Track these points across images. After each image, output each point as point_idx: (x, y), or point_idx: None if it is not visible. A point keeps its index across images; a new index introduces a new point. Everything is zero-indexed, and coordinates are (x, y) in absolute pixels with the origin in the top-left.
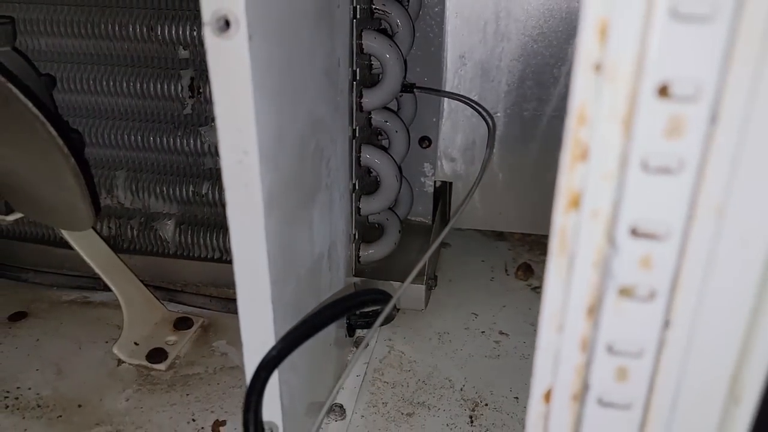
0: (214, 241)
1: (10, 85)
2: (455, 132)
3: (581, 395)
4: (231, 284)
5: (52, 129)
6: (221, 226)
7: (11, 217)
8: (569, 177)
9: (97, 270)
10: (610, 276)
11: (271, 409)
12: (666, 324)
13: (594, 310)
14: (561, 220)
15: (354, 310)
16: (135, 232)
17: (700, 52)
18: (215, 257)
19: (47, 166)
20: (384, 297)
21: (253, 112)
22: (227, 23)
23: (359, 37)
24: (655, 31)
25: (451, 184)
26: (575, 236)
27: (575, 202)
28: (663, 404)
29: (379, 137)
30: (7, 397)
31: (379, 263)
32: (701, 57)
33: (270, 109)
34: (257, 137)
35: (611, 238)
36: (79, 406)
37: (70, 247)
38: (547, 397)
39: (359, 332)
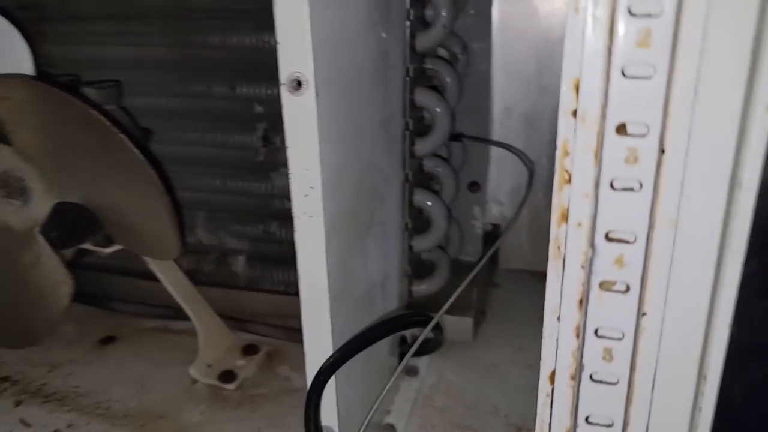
0: (281, 275)
1: (122, 135)
2: (502, 177)
3: (577, 374)
4: (294, 315)
5: (152, 171)
6: (287, 262)
7: (109, 250)
8: (559, 197)
9: (177, 298)
10: (593, 273)
11: (329, 414)
12: (642, 313)
13: (583, 302)
14: (555, 231)
15: (402, 329)
16: (211, 267)
17: (646, 101)
18: (281, 290)
19: (145, 202)
20: (429, 320)
21: (318, 155)
22: (299, 83)
23: (412, 92)
24: (613, 87)
25: (499, 226)
26: (565, 243)
27: (564, 216)
28: (644, 381)
29: (431, 181)
30: (98, 407)
31: (430, 298)
32: (647, 104)
33: (332, 153)
34: (321, 175)
35: (592, 243)
36: (160, 417)
37: (154, 280)
38: (552, 378)
39: (411, 362)
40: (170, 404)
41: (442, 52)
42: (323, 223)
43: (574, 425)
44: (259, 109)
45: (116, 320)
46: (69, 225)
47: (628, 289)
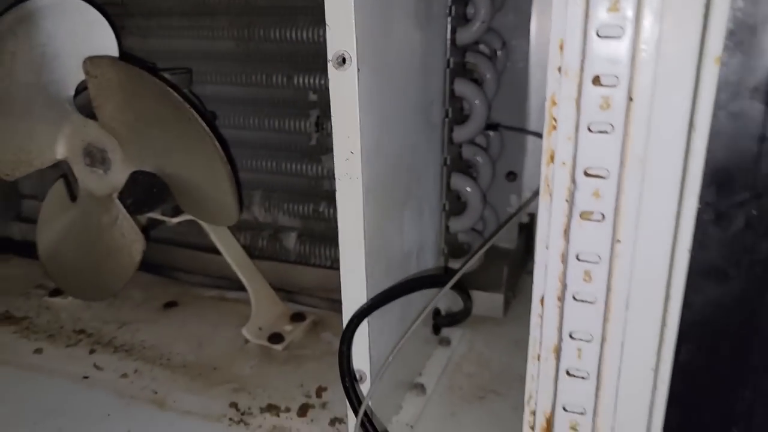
0: (327, 251)
1: (192, 110)
2: (538, 167)
3: (562, 295)
4: (338, 288)
5: (216, 143)
6: (334, 240)
7: (175, 220)
8: (548, 141)
9: (234, 267)
10: (575, 205)
11: (362, 359)
12: (616, 240)
13: (567, 231)
14: (544, 171)
15: (430, 286)
16: (264, 242)
17: (616, 56)
18: (327, 265)
19: (210, 171)
20: (458, 282)
21: (358, 124)
22: (343, 60)
23: (452, 83)
24: (589, 45)
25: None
26: (553, 181)
27: (551, 158)
28: (619, 300)
29: (469, 169)
30: (161, 358)
31: (464, 277)
32: (617, 59)
33: (371, 124)
34: (360, 142)
35: (573, 179)
36: (214, 369)
37: (214, 253)
38: (542, 301)
39: (445, 333)
40: (224, 359)
41: (482, 48)
42: (362, 185)
43: (560, 340)
44: (313, 97)
45: (178, 288)
46: (143, 192)
47: (603, 217)
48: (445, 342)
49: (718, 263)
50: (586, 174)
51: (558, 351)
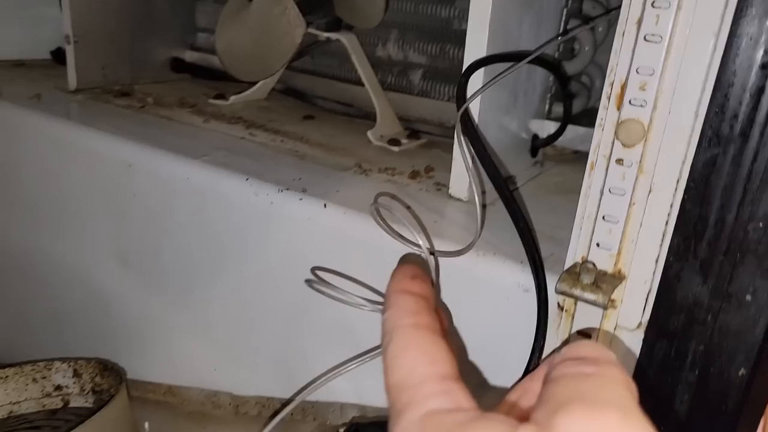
0: (446, 88)
1: None
2: None
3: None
4: (451, 119)
5: None
6: (454, 77)
7: (326, 35)
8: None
9: (366, 84)
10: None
11: (474, 107)
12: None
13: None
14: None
15: (542, 65)
16: (393, 77)
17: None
18: (445, 99)
19: None
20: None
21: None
22: None
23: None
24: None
25: None
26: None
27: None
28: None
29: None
30: (301, 139)
31: None
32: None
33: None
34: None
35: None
36: (343, 149)
37: (349, 83)
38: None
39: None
40: (351, 147)
41: None
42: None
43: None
44: None
45: (316, 109)
46: None
47: (645, 103)
48: (539, 164)
49: None
50: (638, 72)
51: (639, 22)
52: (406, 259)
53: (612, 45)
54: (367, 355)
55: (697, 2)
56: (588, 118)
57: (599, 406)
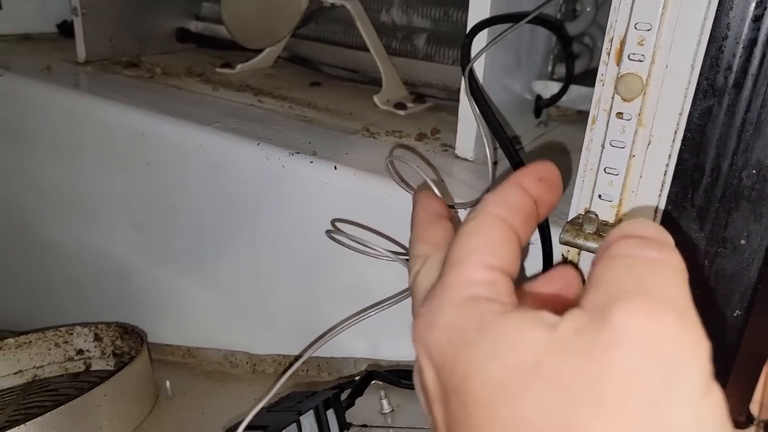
0: (451, 52)
1: None
2: None
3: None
4: (456, 83)
5: None
6: (457, 41)
7: (337, 1)
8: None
9: (372, 49)
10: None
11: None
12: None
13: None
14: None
15: (543, 25)
16: (398, 42)
17: None
18: (449, 63)
19: None
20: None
21: None
22: None
23: None
24: None
25: None
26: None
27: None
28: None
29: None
30: (308, 105)
31: None
32: None
33: None
34: None
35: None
36: (350, 114)
37: (354, 49)
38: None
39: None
40: (358, 111)
41: None
42: None
43: None
44: None
45: (323, 76)
46: None
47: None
48: (543, 124)
49: None
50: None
51: None
52: (541, 162)
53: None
54: (379, 307)
55: None
56: (590, 78)
57: (659, 306)
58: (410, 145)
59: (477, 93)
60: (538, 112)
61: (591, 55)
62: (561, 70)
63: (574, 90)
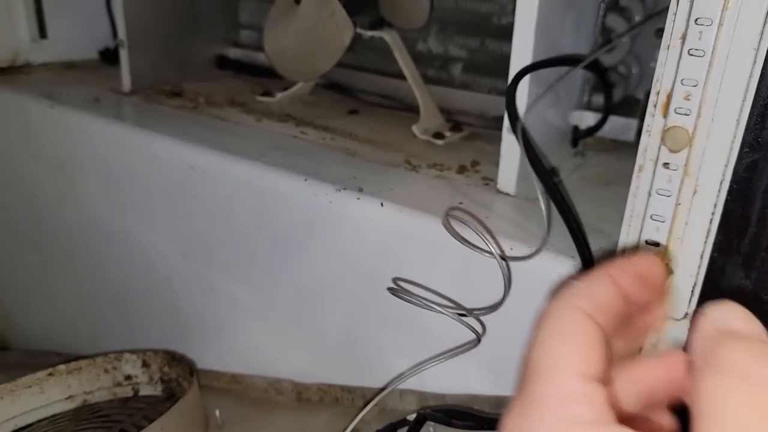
0: (487, 80)
1: None
2: None
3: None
4: (491, 111)
5: None
6: (494, 71)
7: (370, 33)
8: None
9: (409, 79)
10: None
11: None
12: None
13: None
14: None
15: (585, 68)
16: (434, 71)
17: None
18: (485, 91)
19: None
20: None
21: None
22: None
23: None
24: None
25: None
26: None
27: None
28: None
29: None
30: (349, 135)
31: None
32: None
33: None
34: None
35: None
36: (390, 145)
37: (391, 77)
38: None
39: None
40: (397, 141)
41: None
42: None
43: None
44: None
45: (360, 103)
46: None
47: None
48: (580, 154)
49: None
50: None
51: (684, 37)
52: (643, 255)
53: (648, 36)
54: (451, 352)
55: (738, 19)
56: (625, 107)
57: None
58: (451, 178)
59: (521, 132)
60: (575, 142)
61: (626, 84)
62: (596, 99)
63: (611, 120)
